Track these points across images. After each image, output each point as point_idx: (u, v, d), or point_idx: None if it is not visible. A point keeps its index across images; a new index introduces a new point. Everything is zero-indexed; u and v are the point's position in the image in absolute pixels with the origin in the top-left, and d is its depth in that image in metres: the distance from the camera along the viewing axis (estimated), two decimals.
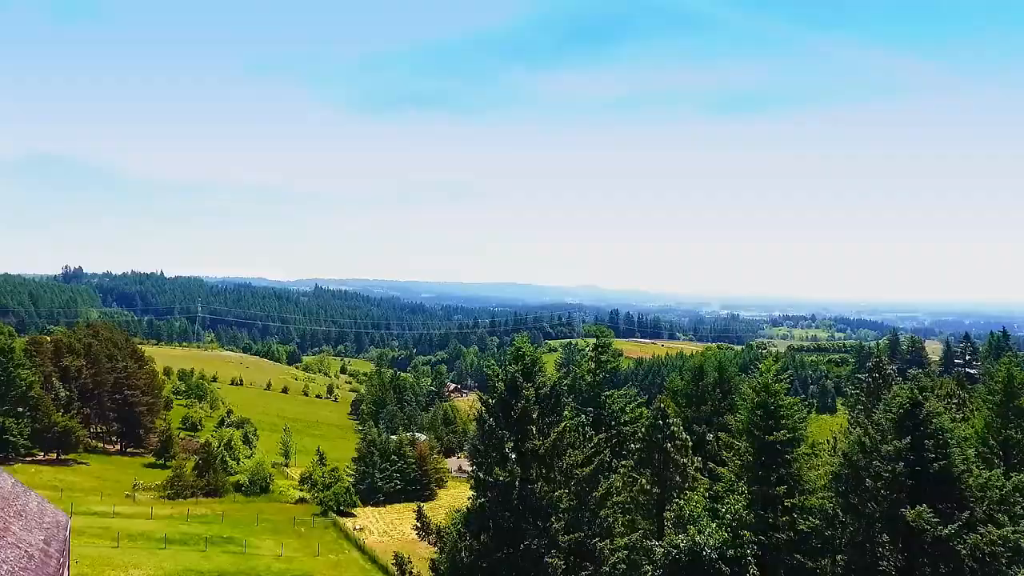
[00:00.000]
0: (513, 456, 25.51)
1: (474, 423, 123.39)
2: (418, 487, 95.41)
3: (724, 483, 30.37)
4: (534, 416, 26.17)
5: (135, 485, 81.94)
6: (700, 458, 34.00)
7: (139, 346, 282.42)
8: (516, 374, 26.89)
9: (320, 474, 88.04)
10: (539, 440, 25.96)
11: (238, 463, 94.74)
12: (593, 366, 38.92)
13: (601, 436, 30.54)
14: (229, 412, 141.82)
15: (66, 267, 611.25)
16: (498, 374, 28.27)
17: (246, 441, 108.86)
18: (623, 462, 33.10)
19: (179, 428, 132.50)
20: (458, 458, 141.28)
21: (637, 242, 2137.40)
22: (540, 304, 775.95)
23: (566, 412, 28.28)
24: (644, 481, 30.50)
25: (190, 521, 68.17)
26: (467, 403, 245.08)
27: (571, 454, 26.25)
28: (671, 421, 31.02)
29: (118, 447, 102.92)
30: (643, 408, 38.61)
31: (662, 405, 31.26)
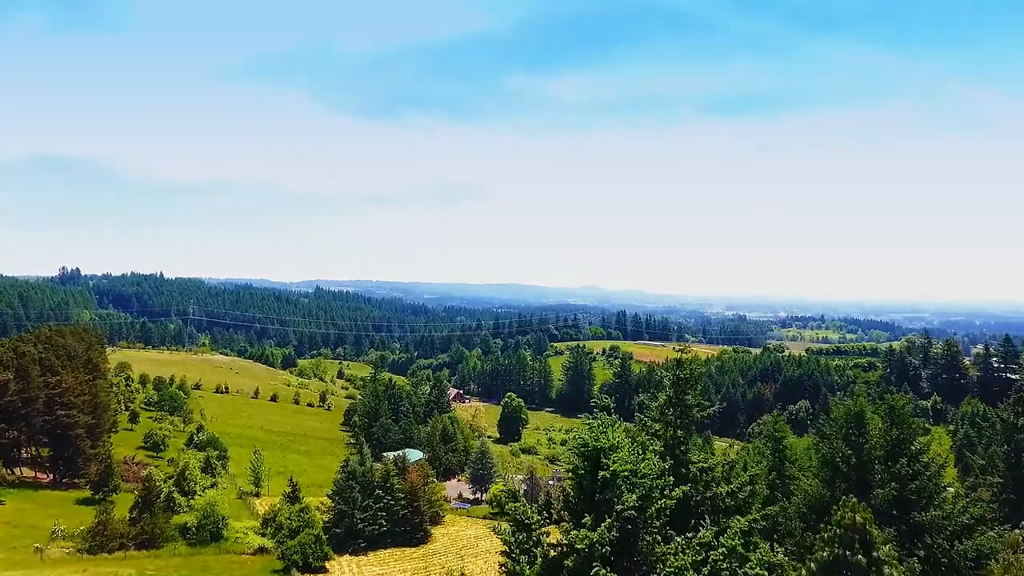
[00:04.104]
0: None
1: (477, 439, 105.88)
2: (408, 528, 79.03)
3: None
4: None
5: (54, 532, 65.59)
6: None
7: (124, 350, 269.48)
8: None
9: (287, 515, 71.70)
10: None
11: (191, 498, 78.17)
12: (674, 416, 22.26)
13: None
14: (200, 428, 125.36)
15: (63, 268, 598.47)
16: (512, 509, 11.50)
17: (208, 468, 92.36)
18: None
19: (140, 447, 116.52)
20: (458, 480, 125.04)
21: (638, 243, 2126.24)
22: (543, 305, 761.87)
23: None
24: None
25: None
26: (469, 411, 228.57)
27: None
28: (877, 543, 14.51)
29: (51, 478, 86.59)
30: (764, 485, 22.41)
31: (858, 518, 15.07)
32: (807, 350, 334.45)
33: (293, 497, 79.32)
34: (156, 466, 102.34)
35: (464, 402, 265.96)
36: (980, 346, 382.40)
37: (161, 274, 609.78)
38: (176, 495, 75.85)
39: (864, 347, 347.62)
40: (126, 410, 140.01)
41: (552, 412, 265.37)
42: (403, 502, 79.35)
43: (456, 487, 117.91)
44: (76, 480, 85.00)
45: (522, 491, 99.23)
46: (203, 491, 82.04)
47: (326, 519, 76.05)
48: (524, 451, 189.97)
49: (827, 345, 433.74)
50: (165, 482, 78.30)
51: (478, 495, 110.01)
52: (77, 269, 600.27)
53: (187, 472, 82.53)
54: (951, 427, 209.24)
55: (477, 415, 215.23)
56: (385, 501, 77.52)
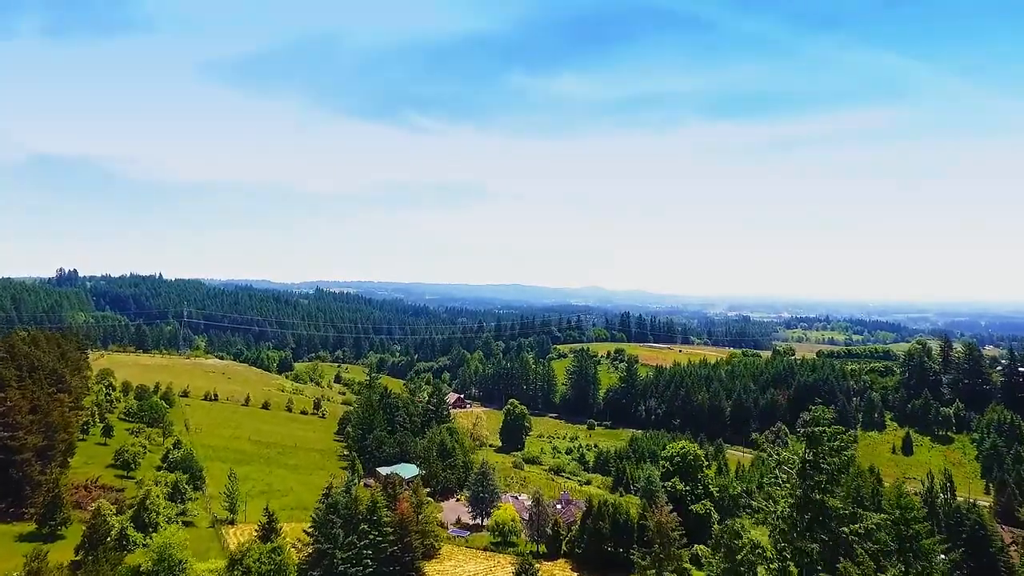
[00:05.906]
0: None
1: (478, 453, 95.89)
2: (397, 567, 69.23)
3: None
4: None
5: None
6: None
7: (113, 354, 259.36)
8: None
9: (256, 556, 61.96)
10: None
11: (151, 532, 68.36)
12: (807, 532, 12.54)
13: None
14: (177, 443, 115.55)
15: (60, 270, 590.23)
16: None
17: (175, 494, 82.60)
18: None
19: (110, 466, 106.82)
20: (457, 501, 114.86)
21: (640, 243, 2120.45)
22: (544, 306, 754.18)
23: None
24: None
25: None
26: (470, 419, 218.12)
27: None
28: None
29: None
30: None
31: None
32: (817, 353, 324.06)
33: (268, 530, 69.56)
34: (122, 489, 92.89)
35: (465, 407, 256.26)
36: (991, 347, 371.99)
37: (160, 275, 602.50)
38: (130, 530, 66.06)
39: (876, 350, 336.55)
40: (101, 422, 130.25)
41: (556, 418, 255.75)
42: (392, 537, 69.59)
43: (454, 508, 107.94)
44: (23, 511, 75.31)
45: (527, 517, 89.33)
46: (167, 522, 72.40)
47: (303, 558, 66.41)
48: (528, 461, 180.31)
49: (836, 347, 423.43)
50: (119, 515, 68.47)
51: (479, 520, 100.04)
52: (75, 270, 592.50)
53: (148, 501, 72.76)
54: (975, 435, 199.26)
55: (478, 423, 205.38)
56: (371, 537, 67.76)
